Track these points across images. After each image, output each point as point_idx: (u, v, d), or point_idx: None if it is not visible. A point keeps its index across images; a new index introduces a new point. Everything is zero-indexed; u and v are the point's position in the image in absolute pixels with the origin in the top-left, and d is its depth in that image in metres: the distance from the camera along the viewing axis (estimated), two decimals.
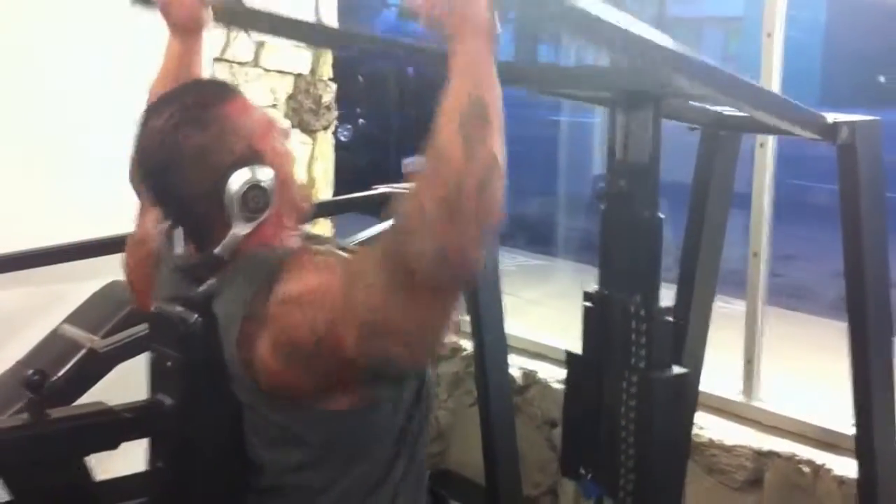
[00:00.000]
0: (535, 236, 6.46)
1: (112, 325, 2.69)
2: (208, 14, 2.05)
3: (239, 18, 2.38)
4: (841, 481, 2.66)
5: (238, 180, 1.58)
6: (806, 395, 3.13)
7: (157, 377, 1.68)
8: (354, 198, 3.19)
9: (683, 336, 2.36)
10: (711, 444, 2.97)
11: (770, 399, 3.05)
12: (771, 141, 2.91)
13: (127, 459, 1.82)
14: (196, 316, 1.58)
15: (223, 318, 1.58)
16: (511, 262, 5.40)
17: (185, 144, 1.59)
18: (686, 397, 2.37)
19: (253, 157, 1.61)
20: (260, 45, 3.52)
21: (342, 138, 5.71)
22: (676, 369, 2.06)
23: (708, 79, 1.82)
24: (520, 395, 3.49)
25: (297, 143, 3.62)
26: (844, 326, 2.15)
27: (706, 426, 3.00)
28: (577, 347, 2.17)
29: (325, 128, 3.77)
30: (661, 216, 2.02)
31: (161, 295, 1.72)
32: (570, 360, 2.19)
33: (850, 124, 2.03)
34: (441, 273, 1.35)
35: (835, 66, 14.97)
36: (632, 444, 2.03)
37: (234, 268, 1.61)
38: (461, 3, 1.39)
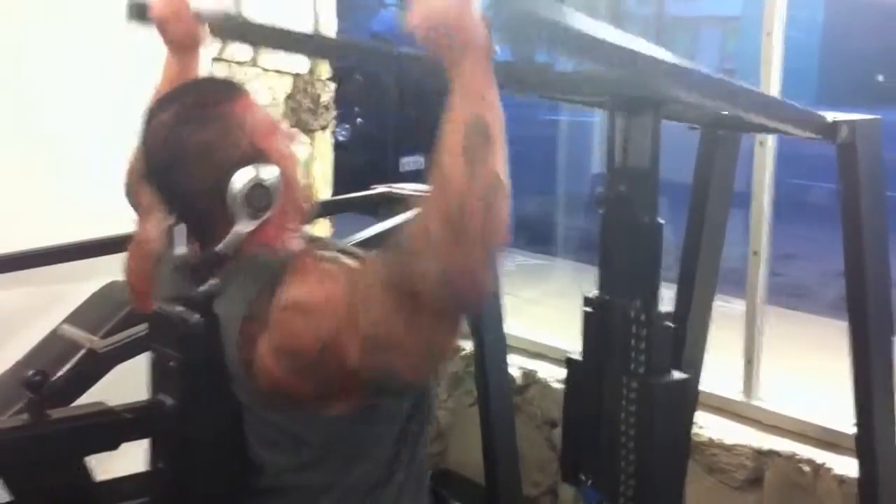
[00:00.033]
0: (534, 236, 6.46)
1: (112, 325, 2.68)
2: (205, 31, 2.06)
3: (236, 33, 2.40)
4: (841, 480, 2.66)
5: (242, 178, 1.58)
6: (806, 395, 3.13)
7: (158, 377, 1.68)
8: (353, 197, 3.20)
9: (684, 335, 2.35)
10: (711, 443, 2.97)
11: (770, 398, 3.05)
12: (770, 140, 2.91)
13: (127, 460, 1.82)
14: (197, 316, 1.58)
15: (224, 318, 1.58)
16: (510, 262, 5.40)
17: (190, 140, 1.59)
18: (686, 402, 2.36)
19: (257, 156, 1.61)
20: None
21: (340, 138, 5.71)
22: (677, 374, 2.05)
23: (708, 90, 1.83)
24: (520, 394, 3.49)
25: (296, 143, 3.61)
26: (844, 326, 2.15)
27: (706, 425, 3.00)
28: (576, 347, 2.17)
29: (324, 127, 3.77)
30: (661, 221, 2.01)
31: (162, 295, 1.72)
32: (570, 365, 2.19)
33: (851, 123, 2.03)
34: (446, 295, 1.35)
35: (833, 66, 14.99)
36: (632, 450, 2.02)
37: (237, 268, 1.61)
38: (459, 27, 1.39)
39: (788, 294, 5.64)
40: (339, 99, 3.86)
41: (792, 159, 3.42)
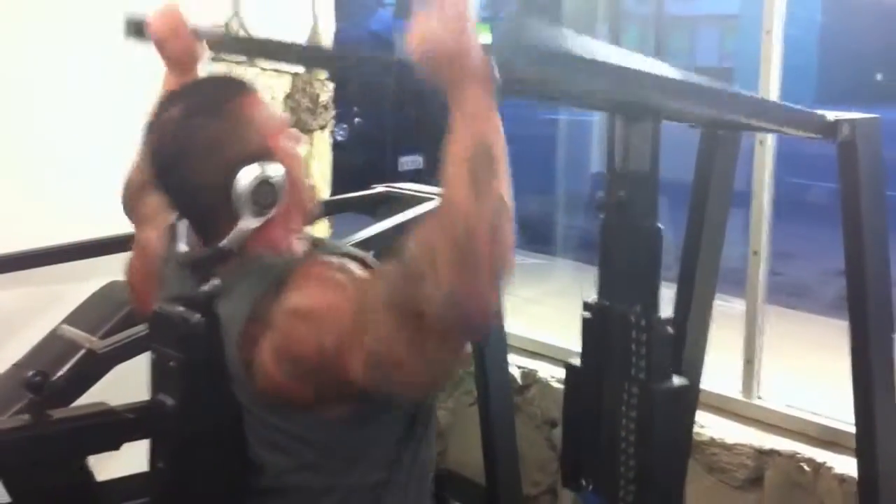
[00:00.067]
0: (533, 235, 6.45)
1: (111, 325, 2.68)
2: (203, 48, 2.06)
3: (234, 48, 2.39)
4: (842, 479, 2.66)
5: (249, 174, 1.58)
6: (806, 394, 3.13)
7: (159, 377, 1.67)
8: (351, 197, 3.20)
9: (684, 335, 2.35)
10: (712, 442, 2.96)
11: (770, 397, 3.05)
12: (770, 139, 2.91)
13: (128, 460, 1.82)
14: (198, 316, 1.58)
15: (226, 319, 1.57)
16: None
17: (198, 135, 1.59)
18: (687, 406, 2.36)
19: (264, 154, 1.61)
20: None
21: (339, 137, 5.70)
22: (677, 380, 2.04)
23: (707, 101, 1.84)
24: (520, 394, 3.49)
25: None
26: (844, 325, 2.15)
27: (706, 425, 2.99)
28: (575, 346, 2.17)
29: (322, 127, 3.77)
30: (661, 227, 2.01)
31: (164, 294, 1.72)
32: (570, 370, 2.18)
33: (851, 122, 2.03)
34: (451, 318, 1.35)
35: (832, 64, 15.00)
36: (632, 455, 2.02)
37: (240, 268, 1.61)
38: (458, 53, 1.38)
39: (788, 293, 5.64)
40: (338, 98, 3.85)
41: (791, 158, 3.42)
